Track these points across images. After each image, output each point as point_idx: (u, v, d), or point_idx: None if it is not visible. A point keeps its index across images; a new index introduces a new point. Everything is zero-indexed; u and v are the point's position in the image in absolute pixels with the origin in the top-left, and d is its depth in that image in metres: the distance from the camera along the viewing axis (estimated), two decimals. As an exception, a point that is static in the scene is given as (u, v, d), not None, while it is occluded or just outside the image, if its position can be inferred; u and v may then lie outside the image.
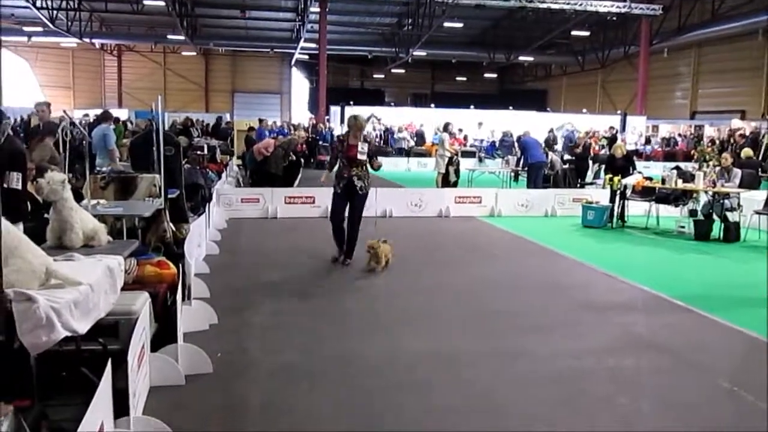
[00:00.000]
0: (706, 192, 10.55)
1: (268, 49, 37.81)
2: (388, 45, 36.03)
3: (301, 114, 40.24)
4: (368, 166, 7.59)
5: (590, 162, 17.23)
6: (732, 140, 25.32)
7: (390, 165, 24.40)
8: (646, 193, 11.36)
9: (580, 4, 27.05)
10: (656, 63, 32.22)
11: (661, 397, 4.15)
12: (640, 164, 16.56)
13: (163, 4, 27.31)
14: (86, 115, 21.21)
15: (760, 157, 19.74)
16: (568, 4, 27.06)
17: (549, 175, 14.90)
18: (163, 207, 6.39)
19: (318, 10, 29.74)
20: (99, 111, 12.81)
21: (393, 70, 40.72)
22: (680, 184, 10.79)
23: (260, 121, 21.76)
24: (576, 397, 4.11)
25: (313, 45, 32.27)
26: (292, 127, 25.05)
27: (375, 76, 44.68)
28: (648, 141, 30.08)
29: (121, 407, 3.08)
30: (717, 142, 25.61)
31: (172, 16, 28.66)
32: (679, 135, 30.36)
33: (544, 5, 27.25)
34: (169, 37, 33.81)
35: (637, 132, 30.18)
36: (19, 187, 4.46)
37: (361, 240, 7.56)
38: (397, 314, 5.87)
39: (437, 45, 34.24)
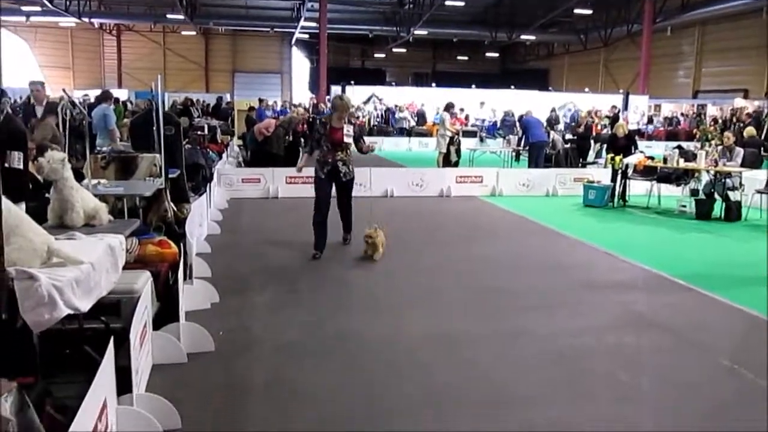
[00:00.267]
0: (707, 171, 10.52)
1: (269, 29, 37.54)
2: (389, 24, 35.72)
3: (301, 94, 40.05)
4: (352, 149, 7.17)
5: (592, 141, 17.17)
6: (735, 119, 25.20)
7: (391, 145, 24.39)
8: (647, 172, 11.34)
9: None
10: (659, 41, 31.95)
11: (661, 375, 4.17)
12: (642, 144, 16.50)
13: (162, -18, 27.09)
14: (86, 95, 21.12)
15: (763, 137, 19.66)
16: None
17: (550, 155, 14.86)
18: (163, 187, 6.38)
19: (318, -12, 29.49)
20: (99, 91, 12.74)
21: (394, 50, 40.44)
22: (682, 164, 10.76)
23: (260, 101, 21.64)
24: (577, 375, 4.14)
25: (314, 24, 32.04)
26: (293, 106, 24.91)
27: (376, 55, 44.40)
28: (650, 120, 29.94)
29: (123, 385, 3.10)
30: (719, 121, 25.49)
31: (172, -6, 28.44)
32: (682, 114, 30.22)
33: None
34: (169, 16, 33.56)
35: (640, 111, 30.03)
36: (21, 166, 4.45)
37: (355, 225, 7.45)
38: (399, 293, 5.89)
39: (438, 24, 33.96)
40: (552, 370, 4.19)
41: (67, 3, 30.02)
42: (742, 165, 10.52)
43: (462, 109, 24.94)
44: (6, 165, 4.08)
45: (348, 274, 6.47)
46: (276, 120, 14.45)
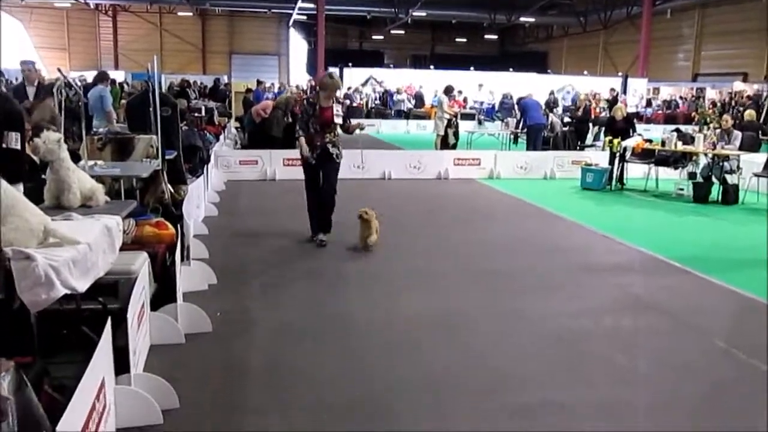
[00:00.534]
0: (705, 154, 10.51)
1: (266, 10, 37.19)
2: (387, 5, 35.39)
3: (299, 76, 39.83)
4: (339, 129, 6.79)
5: (590, 124, 17.14)
6: (734, 102, 25.14)
7: (389, 127, 24.32)
8: (645, 155, 11.32)
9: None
10: (659, 24, 31.77)
11: (658, 357, 4.19)
12: (640, 127, 16.48)
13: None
14: (83, 77, 20.98)
15: (761, 120, 19.63)
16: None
17: (548, 138, 14.83)
18: (160, 168, 6.36)
19: (316, -32, 29.22)
20: (95, 73, 12.66)
21: (392, 31, 40.15)
22: (680, 146, 10.74)
23: (259, 82, 21.54)
24: (574, 358, 4.15)
25: (311, 5, 31.76)
26: (289, 88, 24.71)
27: (374, 37, 44.10)
28: (649, 103, 29.86)
29: (121, 365, 3.11)
30: (718, 104, 25.43)
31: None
32: (681, 97, 30.14)
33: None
34: (165, -4, 33.24)
35: (638, 94, 29.94)
36: (18, 146, 4.42)
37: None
38: (396, 275, 5.90)
39: (437, 5, 33.70)
40: (549, 353, 4.20)
41: (62, -17, 29.70)
42: (740, 148, 10.52)
43: (460, 92, 24.84)
44: (3, 146, 4.05)
45: (346, 255, 6.46)
46: (273, 102, 14.36)
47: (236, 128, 16.48)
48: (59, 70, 5.84)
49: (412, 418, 3.31)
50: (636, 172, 11.60)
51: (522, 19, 37.15)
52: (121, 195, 5.62)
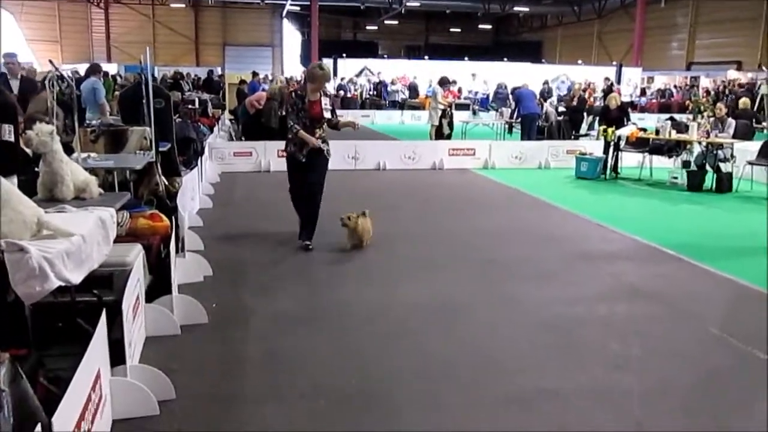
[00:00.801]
0: (699, 142, 10.53)
1: (259, 1, 37.02)
2: (381, -5, 35.32)
3: (293, 67, 39.65)
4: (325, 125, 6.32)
5: (585, 114, 17.14)
6: (728, 91, 25.18)
7: (383, 118, 24.29)
8: (639, 144, 11.35)
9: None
10: (653, 13, 31.75)
11: (652, 344, 4.21)
12: (634, 116, 16.49)
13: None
14: (75, 70, 20.86)
15: (755, 108, 19.66)
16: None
17: (543, 127, 14.84)
18: (154, 160, 6.34)
19: (309, -42, 29.05)
20: (87, 65, 12.59)
21: (386, 22, 39.99)
22: (674, 135, 10.76)
23: (254, 74, 21.44)
24: (568, 344, 4.17)
25: (305, -4, 31.62)
26: (276, 77, 24.37)
27: (368, 27, 43.92)
28: (643, 92, 29.87)
29: (117, 357, 3.11)
30: (711, 93, 25.46)
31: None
32: (675, 86, 30.16)
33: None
34: (157, -12, 33.00)
35: (633, 83, 29.93)
36: (12, 139, 4.41)
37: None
38: (391, 264, 5.91)
39: (431, -5, 33.60)
40: (543, 340, 4.22)
41: (53, -25, 29.46)
42: (734, 136, 10.54)
43: (455, 82, 24.82)
44: (-3, 138, 4.04)
45: (342, 245, 6.46)
46: (267, 93, 14.30)
47: (230, 120, 16.43)
48: (51, 62, 5.81)
49: (408, 405, 3.32)
50: (630, 161, 11.62)
51: (516, 8, 37.03)
52: (114, 187, 5.61)
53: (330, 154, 6.36)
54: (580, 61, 34.30)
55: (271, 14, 41.79)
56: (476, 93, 27.24)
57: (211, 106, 16.73)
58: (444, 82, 14.91)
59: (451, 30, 45.38)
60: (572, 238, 7.00)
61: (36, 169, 4.34)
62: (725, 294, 5.34)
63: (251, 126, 13.21)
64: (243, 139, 13.37)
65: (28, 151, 4.77)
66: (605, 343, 4.19)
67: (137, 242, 4.38)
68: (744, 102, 15.02)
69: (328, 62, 28.45)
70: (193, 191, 7.58)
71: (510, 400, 3.41)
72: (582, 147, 12.37)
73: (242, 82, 18.16)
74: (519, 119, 14.95)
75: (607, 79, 24.89)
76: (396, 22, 40.87)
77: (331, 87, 25.50)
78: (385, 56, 38.90)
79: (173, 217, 5.19)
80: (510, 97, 19.44)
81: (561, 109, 17.56)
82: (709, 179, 10.16)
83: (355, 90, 27.74)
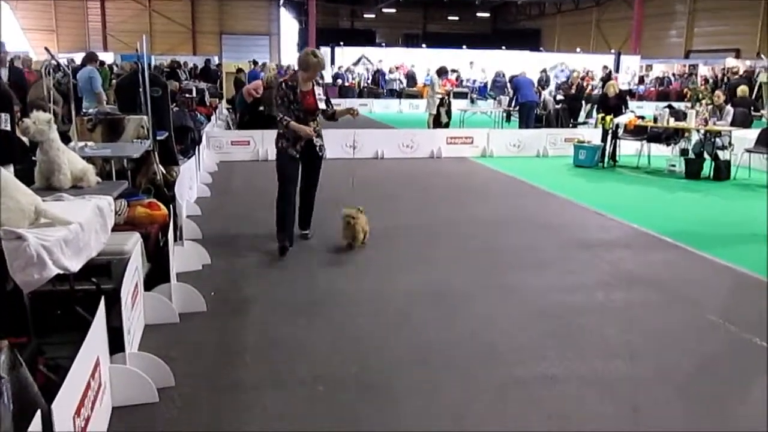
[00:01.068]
0: (697, 130, 10.52)
1: (256, -11, 36.83)
2: (378, -17, 35.14)
3: (290, 56, 39.48)
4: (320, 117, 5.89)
5: (583, 102, 17.11)
6: (726, 79, 25.13)
7: (381, 107, 24.23)
8: (638, 132, 11.35)
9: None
10: (652, 1, 31.69)
11: (649, 330, 4.23)
12: (632, 104, 16.46)
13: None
14: (72, 60, 20.75)
15: (753, 96, 19.63)
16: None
17: (541, 115, 14.82)
18: (151, 149, 6.32)
19: (306, -54, 28.87)
20: (83, 54, 12.54)
21: (384, 10, 39.83)
22: (672, 123, 10.76)
23: (255, 63, 21.40)
24: (566, 331, 4.18)
25: (302, -16, 31.45)
26: (269, 65, 24.23)
27: (365, 16, 43.72)
28: (641, 81, 29.81)
29: (116, 345, 3.12)
30: (710, 81, 25.41)
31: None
32: (673, 75, 30.10)
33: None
34: (153, -24, 32.76)
35: (631, 72, 29.86)
36: (8, 127, 4.39)
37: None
38: (390, 253, 5.91)
39: (429, -17, 33.43)
40: (542, 328, 4.23)
41: (49, -37, 29.23)
42: (732, 124, 10.53)
43: (453, 70, 24.76)
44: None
45: (340, 233, 6.45)
46: (264, 81, 14.24)
47: (227, 109, 16.37)
48: (47, 49, 5.77)
49: (407, 392, 3.34)
50: (628, 149, 11.62)
51: (514, -4, 36.92)
52: (112, 176, 5.59)
53: (324, 149, 5.88)
54: (578, 49, 34.22)
55: (268, 3, 41.60)
56: (474, 81, 27.17)
57: (209, 95, 16.67)
58: (442, 72, 14.88)
59: (449, 18, 45.19)
60: (570, 226, 7.01)
61: (33, 157, 4.33)
62: (723, 281, 5.35)
63: (250, 115, 13.17)
64: (240, 127, 13.34)
65: (24, 139, 4.76)
66: (603, 331, 4.20)
67: (135, 231, 4.38)
68: (742, 90, 15.01)
69: (325, 51, 28.40)
70: (191, 180, 7.57)
71: (508, 387, 3.42)
72: (580, 135, 12.36)
73: (239, 71, 18.09)
74: (517, 107, 14.93)
75: (605, 67, 24.83)
76: (394, 10, 40.71)
77: (327, 76, 25.40)
78: (383, 45, 38.74)
79: (171, 206, 5.19)
80: (508, 85, 19.38)
81: (559, 97, 17.52)
82: (707, 167, 10.17)
83: (353, 79, 27.65)
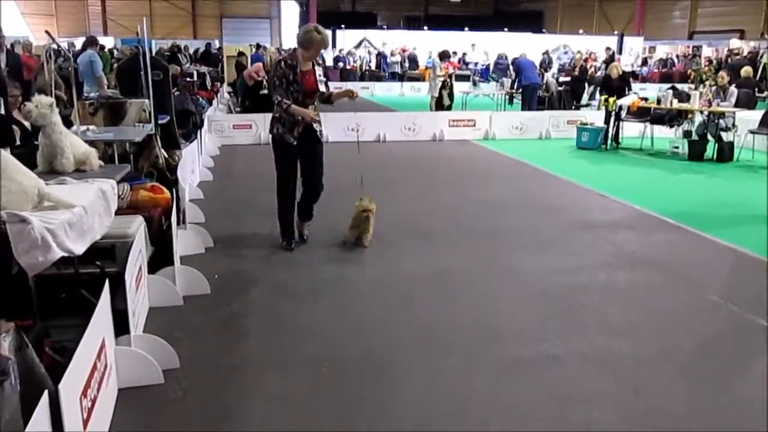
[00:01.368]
0: (701, 112, 10.47)
1: (256, -28, 36.52)
2: (379, -35, 34.80)
3: (291, 39, 39.27)
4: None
5: (586, 84, 17.02)
6: (729, 60, 24.98)
7: (383, 90, 24.13)
8: (641, 113, 11.30)
9: None
10: (655, -19, 31.39)
11: (651, 310, 4.24)
12: (636, 86, 16.37)
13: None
14: (72, 44, 20.66)
15: (757, 77, 19.51)
16: None
17: (544, 97, 14.75)
18: (153, 132, 6.31)
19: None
20: (83, 39, 12.49)
21: (385, -8, 39.51)
22: (675, 104, 10.71)
23: (258, 46, 21.30)
24: (568, 311, 4.20)
25: (302, -34, 31.19)
26: (269, 49, 24.06)
27: (367, -2, 43.40)
28: (645, 62, 29.63)
29: (121, 328, 3.14)
30: (714, 61, 25.25)
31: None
32: (677, 56, 29.90)
33: None
34: (153, -41, 32.50)
35: (634, 53, 29.67)
36: (2, 111, 4.38)
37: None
38: (393, 235, 5.90)
39: (431, -36, 33.11)
40: (544, 308, 4.25)
41: (47, -54, 29.01)
42: (736, 105, 10.48)
43: (455, 53, 24.62)
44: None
45: (343, 217, 6.43)
46: (264, 63, 14.19)
47: (229, 93, 16.32)
48: (48, 32, 5.74)
49: (409, 372, 3.36)
50: (631, 131, 11.57)
51: (517, -23, 36.56)
52: (114, 160, 5.59)
53: (323, 135, 5.43)
54: (581, 31, 33.95)
55: (268, -15, 41.28)
56: (476, 64, 27.02)
57: (210, 79, 16.61)
58: (444, 56, 14.80)
59: (451, 0, 44.81)
60: (573, 208, 7.00)
61: (35, 142, 4.33)
62: (725, 262, 5.35)
63: (252, 98, 13.13)
64: (243, 111, 13.31)
65: (26, 123, 4.76)
66: (605, 311, 4.22)
67: (138, 214, 4.39)
68: (746, 71, 14.88)
69: (327, 34, 28.12)
70: (193, 164, 7.57)
71: (510, 367, 3.44)
72: (583, 117, 12.31)
73: (240, 54, 18.00)
74: (520, 90, 14.86)
75: (608, 48, 24.65)
76: (395, -7, 40.36)
77: (329, 59, 25.25)
78: (385, 27, 38.47)
79: (174, 190, 5.20)
80: (510, 67, 19.27)
81: (562, 79, 17.44)
82: (711, 149, 10.13)
83: (354, 62, 27.50)
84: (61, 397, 2.06)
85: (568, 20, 40.77)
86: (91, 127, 5.98)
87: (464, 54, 26.19)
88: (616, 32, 32.22)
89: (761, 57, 23.10)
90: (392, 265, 5.09)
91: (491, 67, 25.29)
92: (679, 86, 14.33)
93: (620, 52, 28.05)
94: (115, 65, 12.27)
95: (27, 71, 9.88)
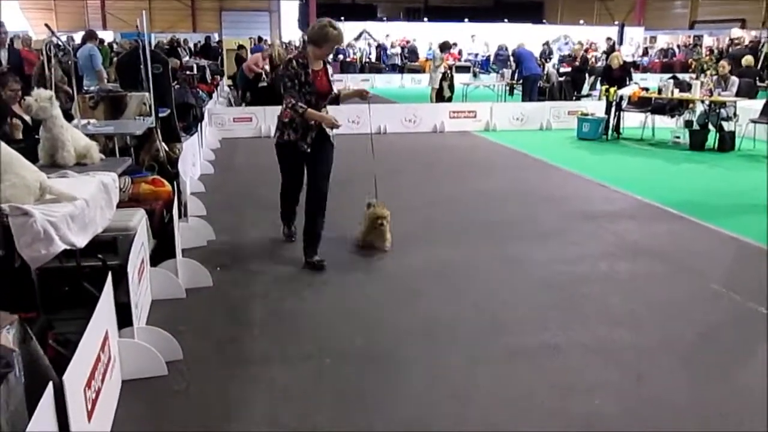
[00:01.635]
0: (702, 101, 10.45)
1: (255, -36, 36.38)
2: (379, -44, 34.66)
3: (291, 32, 39.14)
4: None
5: (587, 74, 16.97)
6: (730, 50, 24.91)
7: (383, 82, 24.11)
8: (642, 104, 11.28)
9: None
10: (656, -29, 31.25)
11: (653, 299, 4.24)
12: (637, 76, 16.33)
13: None
14: (71, 38, 20.61)
15: (759, 67, 19.44)
16: None
17: (544, 88, 14.72)
18: (154, 126, 6.30)
19: None
20: (82, 33, 12.46)
21: (385, -16, 39.34)
22: (676, 94, 10.68)
23: (260, 39, 21.30)
24: (570, 301, 4.21)
25: (302, -42, 31.08)
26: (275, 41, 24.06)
27: (366, -10, 43.19)
28: (645, 52, 29.54)
29: (124, 321, 3.14)
30: (715, 51, 25.17)
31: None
32: (678, 46, 29.81)
33: None
34: (151, -48, 32.39)
35: (635, 43, 29.58)
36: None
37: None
38: (394, 227, 5.87)
39: (430, -45, 32.98)
40: (546, 298, 4.26)
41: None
42: (737, 95, 10.46)
43: (455, 44, 24.56)
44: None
45: (344, 208, 6.43)
46: (263, 54, 14.13)
47: (229, 86, 16.30)
48: (47, 26, 5.73)
49: (412, 363, 3.37)
50: (632, 121, 11.55)
51: (517, -32, 36.39)
52: (115, 153, 5.58)
53: (333, 139, 4.92)
54: (581, 21, 33.83)
55: (267, -22, 41.13)
56: (477, 55, 26.97)
57: (210, 72, 16.58)
58: (445, 47, 14.77)
59: (451, -9, 44.62)
60: (574, 199, 7.00)
61: (36, 136, 4.33)
62: (727, 251, 5.36)
63: (251, 91, 13.10)
64: (245, 104, 13.29)
65: (27, 118, 4.76)
66: (607, 300, 4.22)
67: (140, 207, 4.39)
68: (747, 60, 14.83)
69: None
70: (194, 157, 7.57)
71: (513, 356, 3.45)
72: (584, 107, 12.29)
73: (240, 47, 17.95)
74: (520, 81, 14.83)
75: (609, 38, 24.58)
76: (395, -16, 40.18)
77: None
78: (384, 19, 38.34)
79: (175, 183, 5.20)
80: (511, 58, 19.23)
81: (563, 70, 17.39)
82: (712, 138, 10.12)
83: (354, 54, 27.45)
84: (65, 388, 2.07)
85: (569, 11, 40.59)
86: (92, 120, 5.98)
87: (460, 51, 26.06)
88: (616, 22, 32.10)
89: (762, 46, 23.03)
90: (394, 256, 5.09)
91: (491, 58, 25.24)
92: (680, 76, 14.29)
93: (621, 42, 27.96)
94: (115, 59, 12.26)
95: (28, 66, 9.86)
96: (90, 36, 10.71)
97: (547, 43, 24.48)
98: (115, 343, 3.00)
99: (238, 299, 4.22)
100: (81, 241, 3.00)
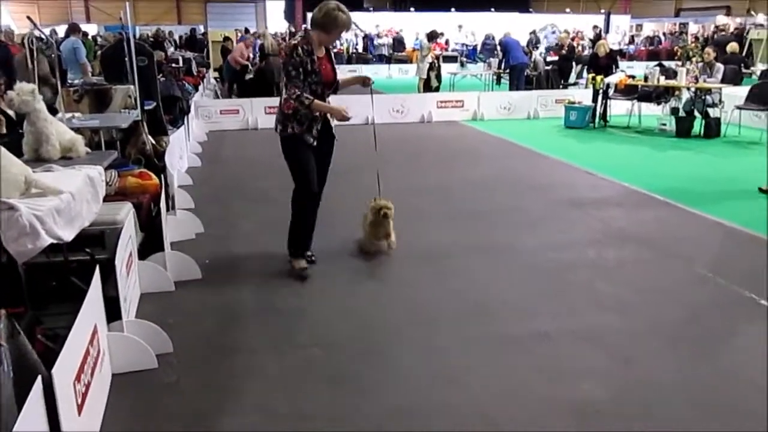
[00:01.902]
0: (688, 88, 10.50)
1: (240, -45, 36.11)
2: (364, -54, 34.48)
3: (277, 23, 38.91)
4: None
5: (573, 62, 17.00)
6: (715, 36, 25.02)
7: (370, 72, 24.00)
8: (628, 91, 11.32)
9: None
10: (641, -42, 31.30)
11: (640, 284, 4.28)
12: (623, 64, 16.39)
13: None
14: (55, 32, 20.39)
15: (744, 53, 19.56)
16: None
17: (532, 77, 14.75)
18: (140, 119, 6.27)
19: None
20: (66, 26, 12.35)
21: (371, -26, 39.15)
22: (663, 81, 10.73)
23: (246, 30, 21.15)
24: (558, 288, 4.23)
25: (287, -52, 30.86)
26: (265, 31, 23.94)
27: (352, -20, 42.97)
28: (632, 40, 29.63)
29: (113, 314, 3.13)
30: (700, 38, 25.26)
31: None
32: (664, 34, 29.92)
33: None
34: (134, -57, 32.08)
35: (621, 31, 29.66)
36: None
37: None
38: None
39: (416, -56, 32.84)
40: (534, 285, 4.28)
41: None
42: (723, 81, 10.52)
43: (442, 34, 24.51)
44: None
45: (332, 198, 6.39)
46: (245, 43, 14.05)
47: (216, 78, 16.20)
48: (29, 18, 5.67)
49: (402, 351, 3.38)
50: (619, 109, 11.61)
51: (502, -44, 36.27)
52: (101, 147, 5.55)
53: (336, 136, 4.70)
54: (567, 10, 33.84)
55: (253, -32, 40.84)
56: (463, 44, 26.94)
57: (196, 64, 16.47)
58: (432, 37, 14.74)
59: (437, -19, 44.47)
60: (561, 186, 7.03)
61: (20, 130, 4.29)
62: (713, 237, 5.41)
63: (238, 83, 13.04)
64: (233, 97, 13.24)
65: (10, 112, 4.72)
66: (595, 287, 4.26)
67: (127, 201, 4.37)
68: (732, 47, 14.94)
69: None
70: (181, 150, 7.54)
71: (502, 343, 3.47)
72: (571, 96, 12.32)
73: (226, 39, 17.85)
74: (507, 70, 14.84)
75: (595, 27, 24.63)
76: (381, -26, 39.99)
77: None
78: (371, 9, 38.18)
79: (162, 176, 5.17)
80: (498, 47, 19.23)
81: (549, 58, 17.41)
82: (698, 125, 10.18)
83: (341, 45, 27.33)
84: (54, 382, 2.06)
85: (555, -1, 40.64)
86: (77, 114, 5.94)
87: (447, 40, 26.02)
88: (603, 11, 32.18)
89: (747, 33, 23.14)
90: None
91: (479, 48, 25.21)
92: (666, 63, 14.33)
93: (607, 30, 28.04)
94: (99, 52, 12.16)
95: (16, 61, 9.77)
96: (73, 29, 10.63)
97: (533, 32, 24.47)
98: (105, 337, 2.99)
99: (227, 291, 4.21)
100: (67, 235, 2.99)
